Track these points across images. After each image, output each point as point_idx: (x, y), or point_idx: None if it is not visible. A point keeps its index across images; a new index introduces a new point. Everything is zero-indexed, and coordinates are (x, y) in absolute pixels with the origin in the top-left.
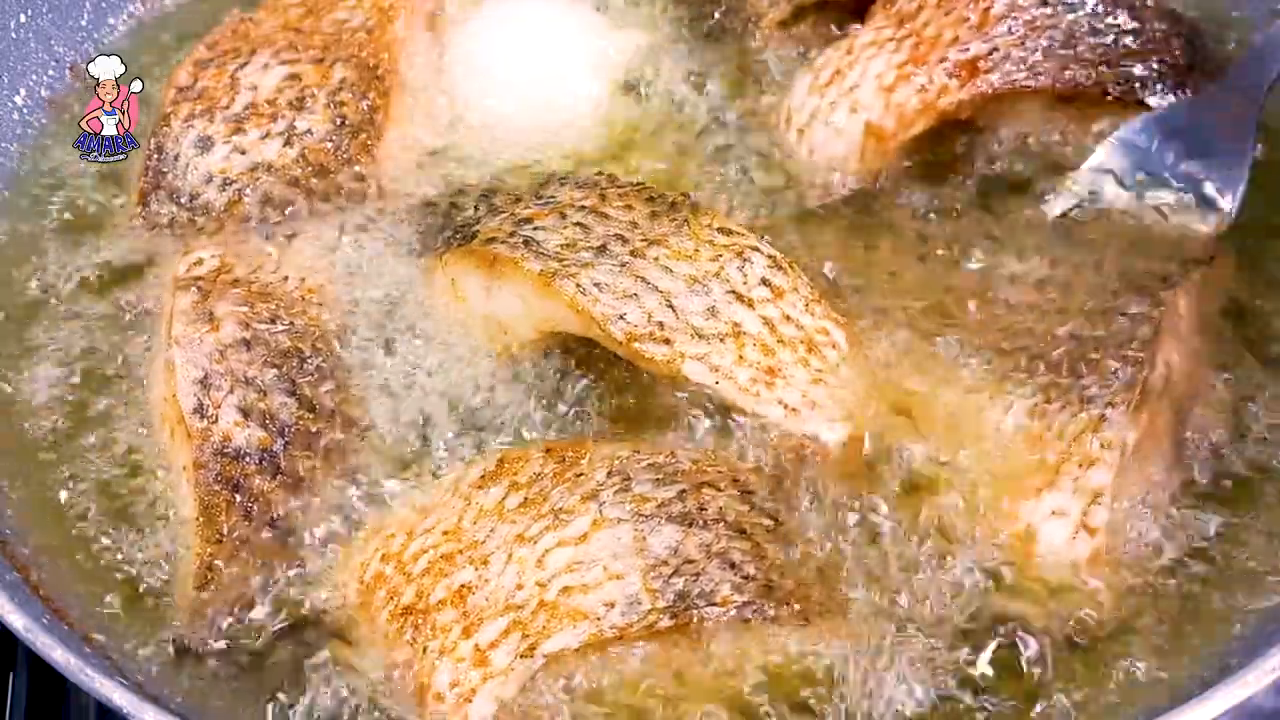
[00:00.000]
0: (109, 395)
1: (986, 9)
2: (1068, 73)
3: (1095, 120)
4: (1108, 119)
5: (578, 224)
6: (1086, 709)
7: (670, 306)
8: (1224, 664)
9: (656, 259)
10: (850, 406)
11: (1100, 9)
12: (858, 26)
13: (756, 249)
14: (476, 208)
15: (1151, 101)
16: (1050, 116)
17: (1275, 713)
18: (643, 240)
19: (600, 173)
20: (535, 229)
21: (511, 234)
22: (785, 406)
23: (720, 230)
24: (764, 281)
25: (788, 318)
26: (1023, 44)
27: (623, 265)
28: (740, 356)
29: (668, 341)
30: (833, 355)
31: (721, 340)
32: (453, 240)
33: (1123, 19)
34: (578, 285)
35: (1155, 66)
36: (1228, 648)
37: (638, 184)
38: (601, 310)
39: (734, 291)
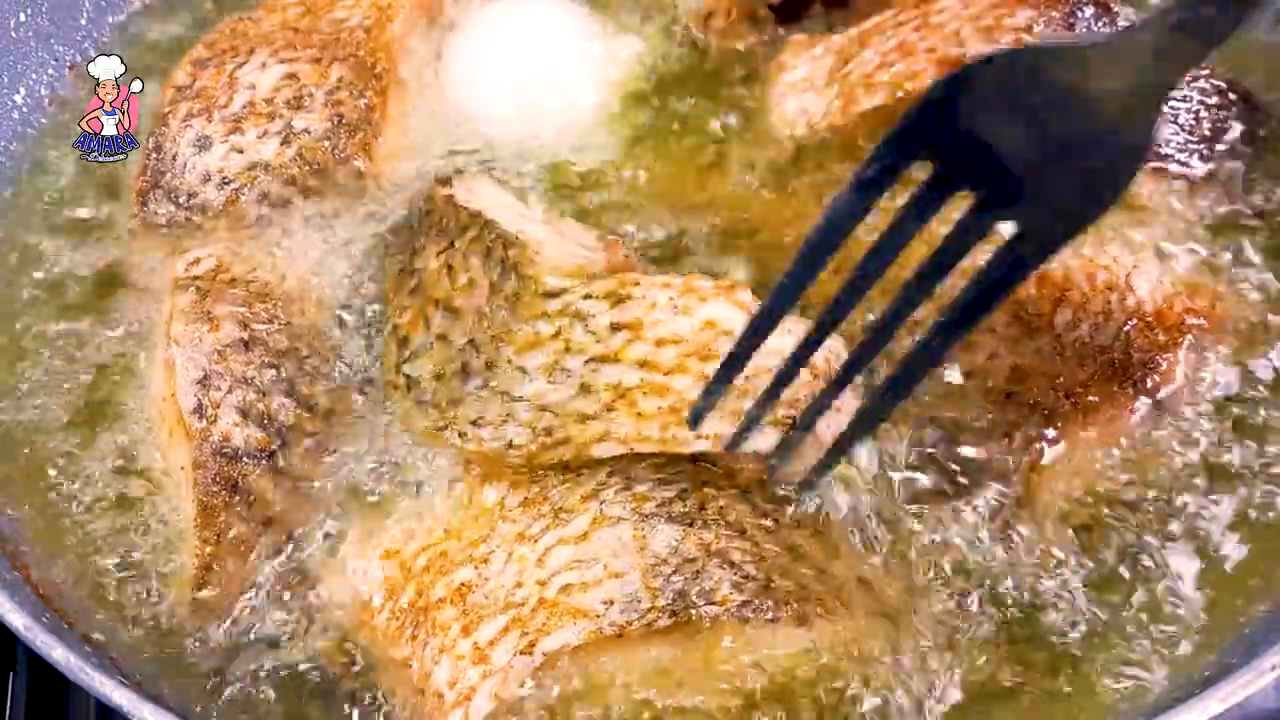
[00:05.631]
0: (108, 395)
1: (1001, 16)
2: None
3: None
4: None
5: (440, 336)
6: (1088, 709)
7: (544, 410)
8: (1224, 664)
9: (510, 362)
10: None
11: None
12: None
13: (589, 296)
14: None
15: None
16: None
17: (1275, 713)
18: (492, 340)
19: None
20: (410, 355)
21: (397, 370)
22: (709, 437)
23: (545, 295)
24: (614, 326)
25: (661, 341)
26: None
27: (486, 386)
28: (638, 414)
29: (565, 441)
30: (728, 343)
31: (610, 410)
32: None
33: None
34: (460, 434)
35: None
36: (1228, 648)
37: (464, 227)
38: (490, 447)
39: (592, 357)
